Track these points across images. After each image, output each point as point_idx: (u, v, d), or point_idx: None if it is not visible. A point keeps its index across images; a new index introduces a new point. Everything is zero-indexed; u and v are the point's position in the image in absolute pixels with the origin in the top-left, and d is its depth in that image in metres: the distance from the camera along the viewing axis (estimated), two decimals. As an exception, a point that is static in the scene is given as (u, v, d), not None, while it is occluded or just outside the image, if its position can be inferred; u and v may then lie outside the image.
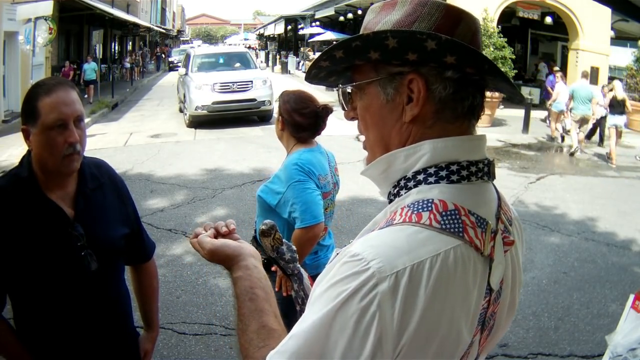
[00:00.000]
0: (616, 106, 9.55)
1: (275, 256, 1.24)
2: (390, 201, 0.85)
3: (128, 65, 24.12)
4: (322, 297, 0.72)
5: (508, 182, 7.62)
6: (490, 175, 0.85)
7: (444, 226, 0.74)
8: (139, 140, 10.66)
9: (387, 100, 0.84)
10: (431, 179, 0.80)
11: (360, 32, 0.86)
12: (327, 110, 2.36)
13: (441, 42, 0.77)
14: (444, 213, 0.75)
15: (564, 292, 4.42)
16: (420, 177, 0.81)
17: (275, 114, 2.46)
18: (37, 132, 1.47)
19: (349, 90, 0.90)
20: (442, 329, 0.71)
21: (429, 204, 0.76)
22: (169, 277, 4.48)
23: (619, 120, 9.52)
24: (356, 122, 0.92)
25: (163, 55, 38.19)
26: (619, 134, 9.60)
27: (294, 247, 1.28)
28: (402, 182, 0.83)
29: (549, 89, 12.50)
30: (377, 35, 0.80)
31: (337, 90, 0.93)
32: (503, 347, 3.53)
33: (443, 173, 0.80)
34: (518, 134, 11.72)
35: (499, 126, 12.67)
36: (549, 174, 8.52)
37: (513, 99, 0.93)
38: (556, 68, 13.01)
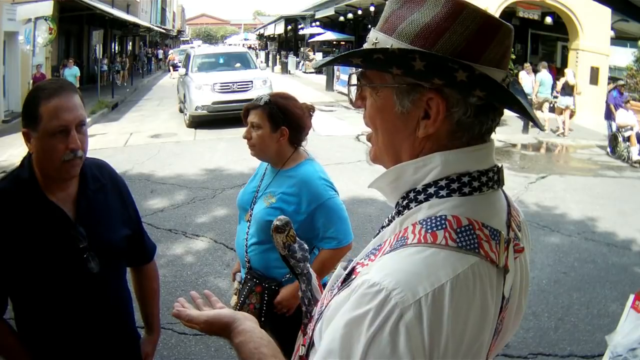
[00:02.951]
0: (567, 90, 12.05)
1: (286, 254, 1.22)
2: (399, 212, 0.82)
3: (105, 67, 20.94)
4: (344, 334, 0.70)
5: (508, 182, 7.46)
6: (500, 183, 0.83)
7: (460, 244, 0.72)
8: (139, 141, 10.65)
9: (402, 111, 0.79)
10: (442, 192, 0.78)
11: (381, 23, 0.81)
12: (314, 109, 2.22)
13: (473, 76, 0.72)
14: (458, 230, 0.73)
15: (564, 292, 4.41)
16: (431, 190, 0.78)
17: (261, 126, 2.09)
18: (38, 136, 1.45)
19: (358, 77, 0.85)
20: (466, 345, 0.71)
21: (443, 222, 0.74)
22: (169, 277, 4.47)
23: (569, 101, 11.93)
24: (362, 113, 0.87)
25: (155, 57, 34.90)
26: (571, 113, 12.16)
27: (306, 246, 1.25)
28: (411, 195, 0.80)
29: (612, 106, 10.52)
30: (403, 53, 0.73)
31: (348, 81, 0.89)
32: (503, 347, 3.52)
33: (455, 186, 0.78)
34: (518, 134, 11.71)
35: (499, 126, 12.50)
36: (549, 174, 8.52)
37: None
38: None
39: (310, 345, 0.85)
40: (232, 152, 9.15)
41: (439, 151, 0.79)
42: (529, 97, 12.58)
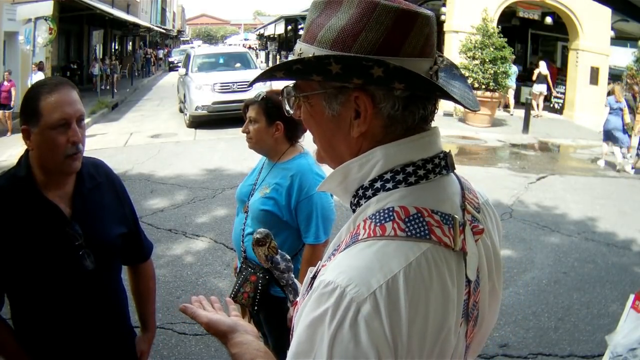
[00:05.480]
0: (541, 78, 14.37)
1: (269, 266, 1.22)
2: (354, 211, 0.84)
3: (97, 72, 19.14)
4: (308, 336, 0.71)
5: (508, 182, 7.60)
6: (449, 167, 0.84)
7: (409, 233, 0.73)
8: (139, 141, 10.65)
9: (333, 115, 0.81)
10: (389, 185, 0.79)
11: (305, 31, 0.82)
12: None
13: (389, 70, 0.73)
14: (406, 219, 0.74)
15: (564, 292, 4.41)
16: (378, 184, 0.80)
17: (257, 120, 2.21)
18: (39, 132, 1.47)
19: (291, 89, 0.87)
20: (432, 333, 0.72)
21: (390, 213, 0.75)
22: (168, 277, 4.48)
23: (543, 88, 14.37)
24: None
25: (153, 59, 33.55)
26: (545, 97, 14.68)
27: (288, 257, 1.25)
28: (360, 192, 0.82)
29: None
30: (319, 60, 0.75)
31: (282, 92, 0.89)
32: (503, 347, 3.52)
33: (400, 177, 0.79)
34: (518, 134, 11.72)
35: (499, 126, 12.66)
36: (549, 174, 8.51)
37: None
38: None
39: None
40: (232, 152, 9.15)
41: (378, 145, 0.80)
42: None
